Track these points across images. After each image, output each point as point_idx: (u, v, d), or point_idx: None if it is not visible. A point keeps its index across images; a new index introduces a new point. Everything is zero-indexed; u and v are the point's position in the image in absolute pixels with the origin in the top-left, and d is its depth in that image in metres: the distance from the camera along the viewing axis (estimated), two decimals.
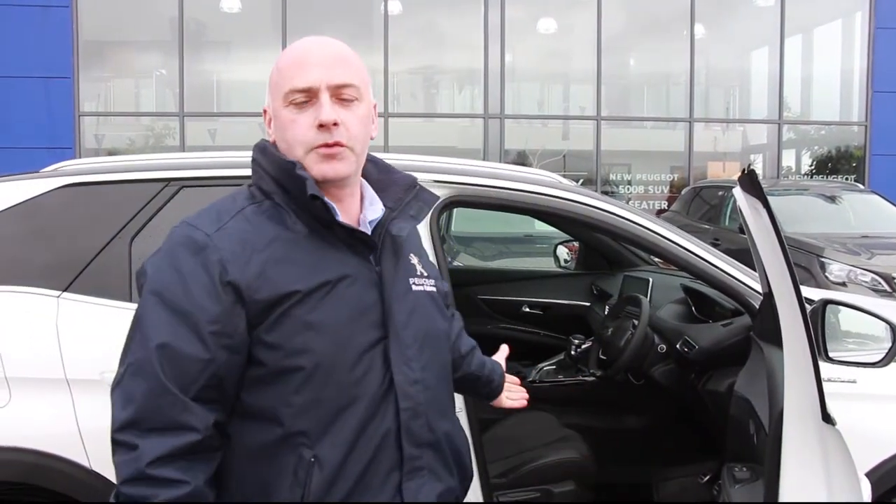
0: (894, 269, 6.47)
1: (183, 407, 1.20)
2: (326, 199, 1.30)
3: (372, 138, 1.40)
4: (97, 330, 2.09)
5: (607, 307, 3.49)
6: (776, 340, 1.89)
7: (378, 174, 1.47)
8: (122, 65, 12.33)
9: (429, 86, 12.90)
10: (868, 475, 2.14)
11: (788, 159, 13.13)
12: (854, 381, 2.27)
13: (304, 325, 1.26)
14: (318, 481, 1.25)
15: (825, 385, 1.75)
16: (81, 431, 2.03)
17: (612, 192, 12.07)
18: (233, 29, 12.26)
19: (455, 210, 6.21)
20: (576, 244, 4.34)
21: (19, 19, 10.77)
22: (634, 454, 3.22)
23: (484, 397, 1.92)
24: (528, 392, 2.00)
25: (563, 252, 4.49)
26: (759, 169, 12.54)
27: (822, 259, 6.71)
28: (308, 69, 1.31)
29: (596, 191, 9.93)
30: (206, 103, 12.25)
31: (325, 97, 1.30)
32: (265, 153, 1.36)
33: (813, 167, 13.03)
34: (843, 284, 6.45)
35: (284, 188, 1.32)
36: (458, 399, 2.15)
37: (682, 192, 10.37)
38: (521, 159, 12.13)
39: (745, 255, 2.25)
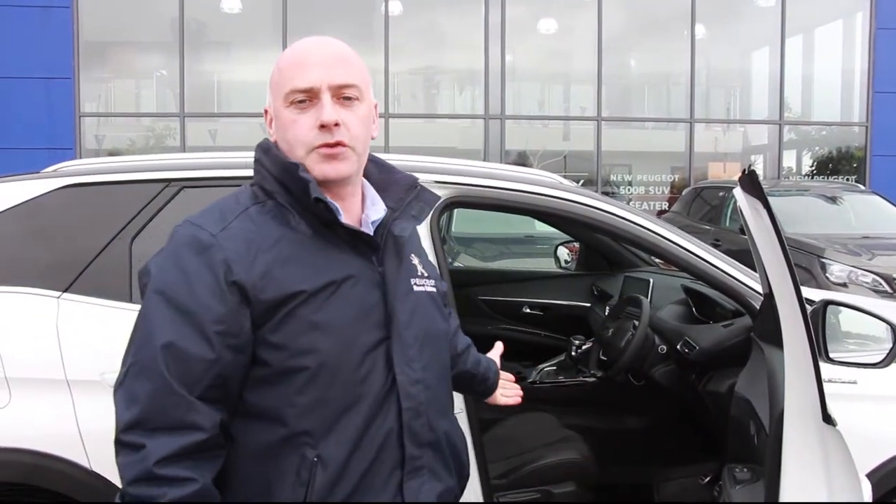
0: (895, 269, 6.47)
1: (189, 406, 1.20)
2: (330, 200, 1.30)
3: (373, 138, 1.40)
4: (97, 330, 2.09)
5: (608, 308, 3.49)
6: (777, 341, 1.89)
7: (379, 174, 1.47)
8: (122, 65, 12.33)
9: (429, 86, 12.90)
10: (869, 476, 2.14)
11: (789, 160, 13.12)
12: (855, 382, 2.27)
13: (309, 326, 1.26)
14: (322, 481, 1.25)
15: (826, 386, 1.76)
16: (82, 432, 2.02)
17: (613, 193, 12.07)
18: (233, 29, 12.26)
19: (455, 211, 6.21)
20: (576, 245, 4.34)
21: (20, 20, 10.78)
22: (635, 455, 3.22)
23: (479, 394, 1.92)
24: (528, 393, 2.01)
25: (563, 253, 4.49)
26: (759, 169, 12.53)
27: (823, 260, 6.71)
28: (309, 69, 1.31)
29: (596, 191, 9.92)
30: (207, 104, 12.25)
31: (326, 97, 1.30)
32: (268, 153, 1.36)
33: (814, 168, 13.02)
34: (844, 285, 6.45)
35: (287, 188, 1.32)
36: (459, 399, 2.15)
37: (683, 193, 10.37)
38: (522, 160, 12.13)
39: (746, 255, 2.24)
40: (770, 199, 1.81)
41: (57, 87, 10.95)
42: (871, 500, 1.90)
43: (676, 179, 12.53)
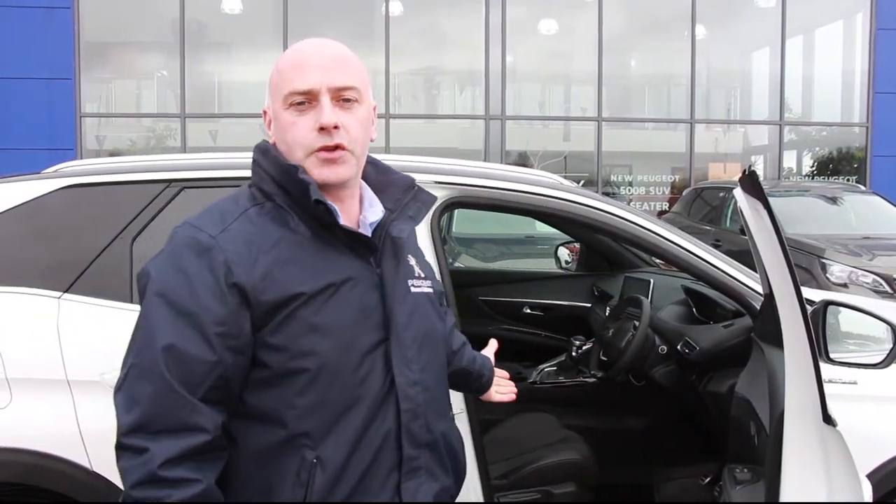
0: (895, 270, 6.46)
1: (191, 408, 1.20)
2: (329, 202, 1.31)
3: (372, 140, 1.40)
4: (98, 331, 2.09)
5: (608, 308, 3.50)
6: (777, 341, 1.89)
7: (377, 175, 1.47)
8: (123, 66, 12.34)
9: (430, 87, 12.89)
10: (869, 476, 2.14)
11: (789, 160, 13.12)
12: (855, 383, 2.27)
13: (309, 328, 1.26)
14: (321, 482, 1.26)
15: (826, 386, 1.76)
16: (82, 432, 2.03)
17: (613, 194, 12.07)
18: (234, 30, 12.27)
19: (456, 211, 6.21)
20: (577, 245, 4.34)
21: (21, 20, 10.78)
22: (635, 455, 3.22)
23: (474, 392, 1.93)
24: (529, 393, 2.01)
25: (564, 253, 4.49)
26: (760, 170, 12.53)
27: (823, 260, 6.71)
28: (308, 71, 1.31)
29: (597, 192, 9.92)
30: (208, 104, 12.26)
31: (325, 100, 1.30)
32: (267, 155, 1.36)
33: (814, 168, 13.02)
34: (844, 286, 6.45)
35: (286, 190, 1.32)
36: (459, 400, 2.15)
37: (684, 194, 10.36)
38: (523, 160, 12.13)
39: (746, 256, 2.25)
40: (770, 199, 1.82)
41: (58, 88, 10.96)
42: (871, 501, 1.90)
43: (677, 180, 12.53)
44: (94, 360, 2.04)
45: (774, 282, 1.87)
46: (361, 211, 1.41)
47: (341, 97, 1.32)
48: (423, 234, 2.24)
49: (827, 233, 7.29)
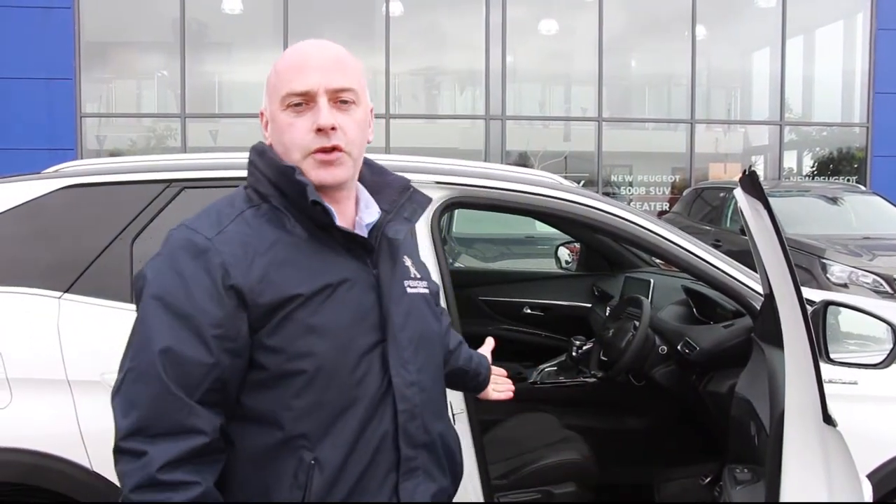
0: (895, 270, 6.46)
1: (189, 411, 1.20)
2: (326, 203, 1.30)
3: (369, 142, 1.40)
4: (98, 331, 2.09)
5: (608, 308, 3.50)
6: (777, 342, 1.89)
7: (372, 176, 1.47)
8: (123, 66, 12.34)
9: (430, 87, 12.90)
10: (869, 477, 2.14)
11: (790, 160, 13.12)
12: (855, 383, 2.27)
13: (306, 329, 1.26)
14: (319, 484, 1.26)
15: (826, 386, 1.76)
16: (82, 432, 2.03)
17: (614, 194, 12.07)
18: (234, 30, 12.27)
19: (456, 211, 6.21)
20: (577, 245, 4.34)
21: (21, 20, 10.78)
22: (635, 455, 3.22)
23: (471, 390, 1.93)
24: (529, 393, 2.01)
25: (564, 253, 4.49)
26: (760, 170, 12.53)
27: (824, 260, 6.71)
28: (306, 73, 1.31)
29: (597, 192, 9.92)
30: (208, 104, 12.26)
31: (323, 101, 1.30)
32: (263, 156, 1.36)
33: (814, 168, 13.02)
34: (845, 286, 6.45)
35: (282, 192, 1.32)
36: (460, 400, 2.15)
37: (684, 194, 10.37)
38: (523, 160, 12.13)
39: (747, 256, 2.25)
40: (770, 199, 1.82)
41: (58, 88, 10.96)
42: (871, 501, 1.90)
43: (677, 180, 12.53)
44: (94, 360, 2.04)
45: (775, 282, 1.87)
46: (357, 212, 1.41)
47: (339, 99, 1.32)
48: (423, 234, 2.24)
49: (827, 233, 7.29)
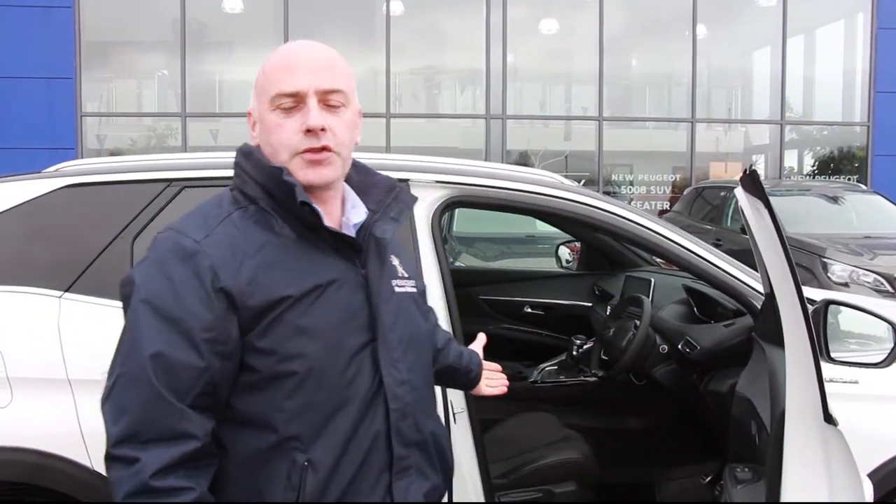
0: None
1: (181, 415, 1.19)
2: (314, 204, 1.30)
3: (356, 143, 1.40)
4: (99, 330, 2.09)
5: (609, 307, 3.50)
6: (778, 341, 1.89)
7: (358, 177, 1.46)
8: (124, 65, 12.33)
9: (430, 86, 12.89)
10: (870, 476, 2.14)
11: (790, 160, 13.11)
12: (856, 382, 2.27)
13: (296, 330, 1.25)
14: (312, 485, 1.25)
15: (827, 385, 1.76)
16: (83, 431, 2.02)
17: (614, 193, 12.06)
18: (234, 29, 12.27)
19: (457, 210, 6.21)
20: (577, 244, 4.34)
21: (21, 20, 10.78)
22: (636, 455, 3.22)
23: (462, 387, 1.92)
24: (529, 392, 2.00)
25: (564, 252, 4.49)
26: (761, 169, 12.53)
27: (825, 259, 6.70)
28: (296, 74, 1.30)
29: (598, 191, 9.92)
30: (208, 104, 12.26)
31: (312, 102, 1.30)
32: (250, 158, 1.36)
33: (815, 168, 13.01)
34: (846, 285, 6.44)
35: (270, 193, 1.32)
36: (460, 399, 2.15)
37: (684, 193, 10.36)
38: (523, 160, 12.12)
39: (747, 255, 2.24)
40: (771, 198, 1.82)
41: (58, 87, 10.96)
42: (872, 500, 1.90)
43: (678, 179, 12.52)
44: (94, 359, 2.02)
45: (775, 281, 1.87)
46: (344, 212, 1.40)
47: (328, 100, 1.32)
48: (423, 233, 2.24)
49: (828, 232, 7.28)
